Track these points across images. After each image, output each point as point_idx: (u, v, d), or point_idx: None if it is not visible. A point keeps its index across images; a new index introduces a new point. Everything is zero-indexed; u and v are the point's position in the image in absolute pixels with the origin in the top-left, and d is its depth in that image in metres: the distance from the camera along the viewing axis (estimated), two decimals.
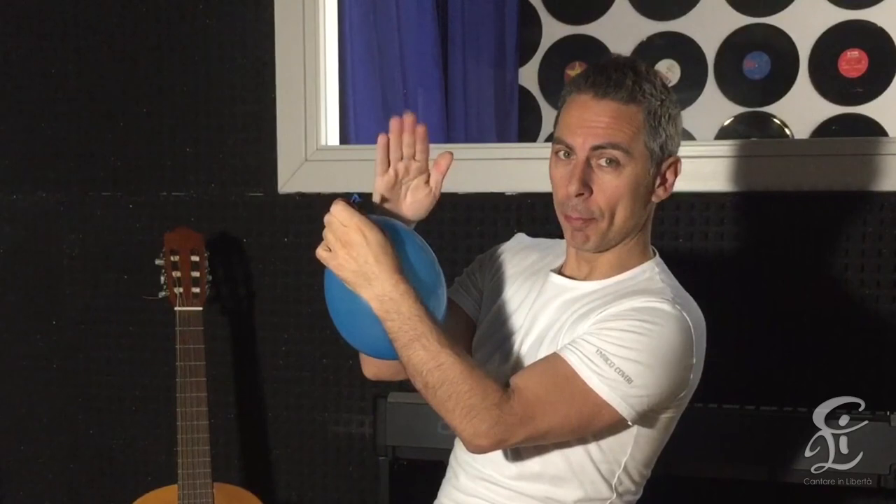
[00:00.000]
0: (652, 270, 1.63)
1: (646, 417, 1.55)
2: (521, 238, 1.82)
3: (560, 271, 1.68)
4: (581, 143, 1.55)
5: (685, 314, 1.53)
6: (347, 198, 1.47)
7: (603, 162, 1.54)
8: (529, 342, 1.63)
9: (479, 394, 1.45)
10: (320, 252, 1.46)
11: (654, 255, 1.67)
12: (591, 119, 1.55)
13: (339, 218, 1.44)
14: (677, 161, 1.61)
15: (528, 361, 1.61)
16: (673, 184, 1.62)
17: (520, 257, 1.76)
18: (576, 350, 1.50)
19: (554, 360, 1.52)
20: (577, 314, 1.58)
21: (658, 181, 1.60)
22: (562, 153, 1.58)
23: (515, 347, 1.65)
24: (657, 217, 2.32)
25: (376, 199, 1.61)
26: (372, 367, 1.75)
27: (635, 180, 1.56)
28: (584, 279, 1.64)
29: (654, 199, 1.61)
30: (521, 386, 1.49)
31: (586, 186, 1.55)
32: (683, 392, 1.58)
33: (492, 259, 1.78)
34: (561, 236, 1.68)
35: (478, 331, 1.74)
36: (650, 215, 1.64)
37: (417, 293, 1.46)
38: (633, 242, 1.63)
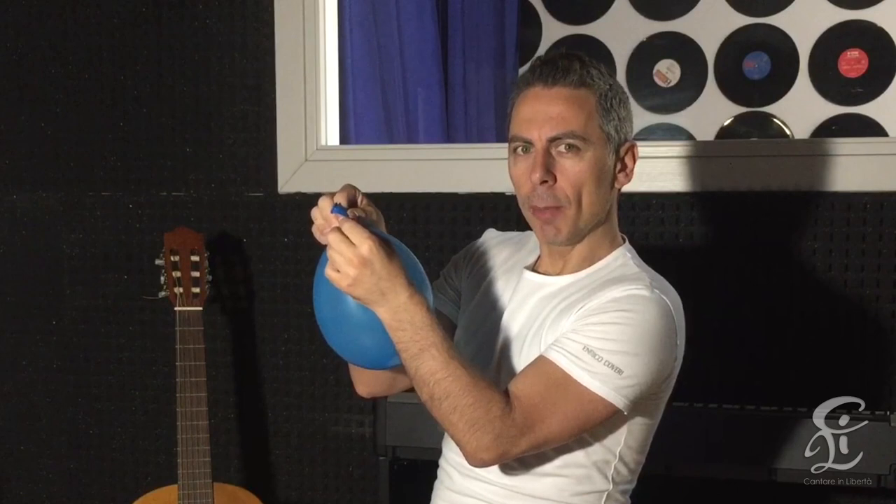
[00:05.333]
0: (624, 257, 1.64)
1: (638, 405, 1.56)
2: (492, 233, 1.82)
3: (534, 268, 1.69)
4: (538, 135, 1.56)
5: (664, 297, 1.54)
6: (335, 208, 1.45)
7: (562, 149, 1.56)
8: (510, 342, 1.64)
9: (483, 406, 1.46)
10: (330, 273, 1.45)
11: (624, 241, 1.68)
12: (543, 109, 1.56)
13: (350, 236, 1.42)
14: (633, 146, 1.62)
15: (510, 361, 1.62)
16: (633, 169, 1.62)
17: (493, 253, 1.76)
18: (562, 350, 1.51)
19: (543, 363, 1.52)
20: (558, 310, 1.59)
21: (619, 167, 1.61)
22: (520, 149, 1.59)
23: (496, 348, 1.65)
24: (656, 218, 2.36)
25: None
26: (365, 386, 1.75)
27: (597, 164, 1.57)
28: (558, 274, 1.65)
29: (617, 186, 1.62)
30: (518, 394, 1.49)
31: (549, 174, 1.56)
32: (671, 374, 1.59)
33: (466, 258, 1.79)
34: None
35: (457, 332, 1.74)
36: (614, 204, 1.64)
37: (428, 303, 1.47)
38: (601, 232, 1.63)
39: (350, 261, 1.42)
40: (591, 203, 1.58)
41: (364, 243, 1.42)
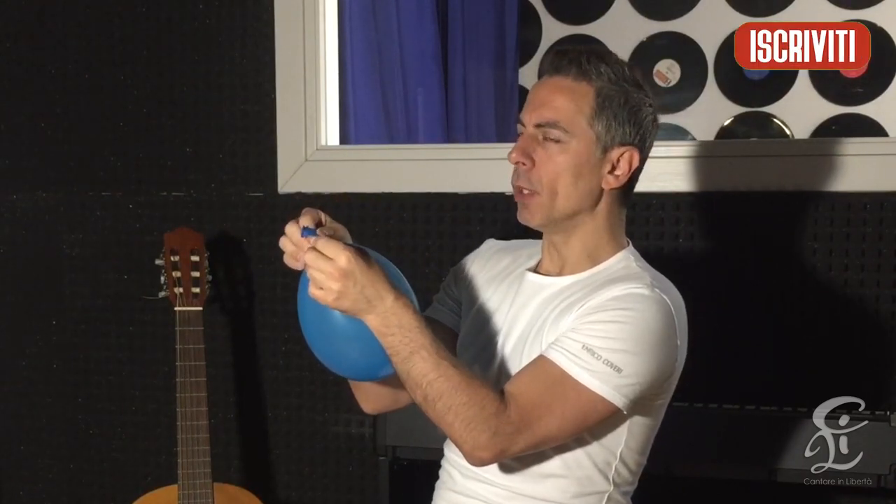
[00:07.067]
0: (627, 259, 1.63)
1: (638, 405, 1.55)
2: (492, 243, 1.82)
3: (536, 270, 1.69)
4: (528, 118, 1.60)
5: (664, 296, 1.54)
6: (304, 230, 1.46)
7: (546, 137, 1.57)
8: (511, 343, 1.63)
9: (477, 404, 1.46)
10: (314, 292, 1.46)
11: (628, 244, 1.67)
12: (539, 96, 1.59)
13: (326, 252, 1.44)
14: (630, 152, 1.59)
15: (511, 363, 1.61)
16: (627, 174, 1.60)
17: (493, 261, 1.76)
18: (561, 349, 1.51)
19: (542, 362, 1.52)
20: (559, 309, 1.59)
21: (608, 167, 1.59)
22: (520, 131, 1.62)
23: (498, 350, 1.65)
24: (656, 218, 2.36)
25: None
26: (370, 403, 1.75)
27: (576, 159, 1.57)
28: (559, 274, 1.64)
29: (605, 187, 1.60)
30: (515, 393, 1.49)
31: (528, 157, 1.58)
32: (671, 374, 1.58)
33: (466, 268, 1.78)
34: (534, 236, 1.69)
35: (459, 338, 1.74)
36: (612, 205, 1.62)
37: (415, 305, 1.48)
38: (598, 231, 1.62)
39: (331, 275, 1.43)
40: (567, 196, 1.58)
41: (341, 255, 1.43)
